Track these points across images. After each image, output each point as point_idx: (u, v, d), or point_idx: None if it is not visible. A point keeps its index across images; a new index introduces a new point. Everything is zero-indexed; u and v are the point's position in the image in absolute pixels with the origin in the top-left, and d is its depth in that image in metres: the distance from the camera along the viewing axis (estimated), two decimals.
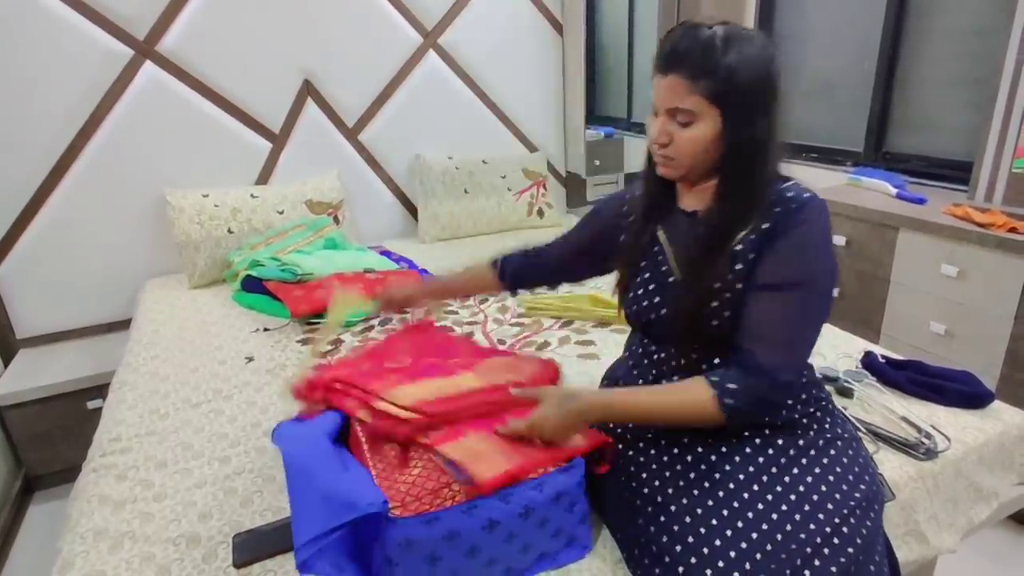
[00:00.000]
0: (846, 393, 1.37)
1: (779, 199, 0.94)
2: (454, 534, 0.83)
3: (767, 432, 0.98)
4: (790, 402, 1.00)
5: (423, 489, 0.86)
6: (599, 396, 1.01)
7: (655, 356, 1.07)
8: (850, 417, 1.26)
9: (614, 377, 1.20)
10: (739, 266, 0.95)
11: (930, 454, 1.17)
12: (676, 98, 0.91)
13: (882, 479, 1.09)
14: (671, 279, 1.02)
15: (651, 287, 1.05)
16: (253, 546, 1.02)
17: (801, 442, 0.97)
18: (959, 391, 1.33)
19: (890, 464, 1.16)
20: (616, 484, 1.01)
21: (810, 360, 1.01)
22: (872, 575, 0.86)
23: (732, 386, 0.90)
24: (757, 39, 0.90)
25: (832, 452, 0.97)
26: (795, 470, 0.93)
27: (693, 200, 1.03)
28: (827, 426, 1.01)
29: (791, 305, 0.92)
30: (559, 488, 0.90)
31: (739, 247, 0.95)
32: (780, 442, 0.96)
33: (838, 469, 0.94)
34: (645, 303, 1.05)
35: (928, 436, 1.21)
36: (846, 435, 1.01)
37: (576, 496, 0.93)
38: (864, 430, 1.23)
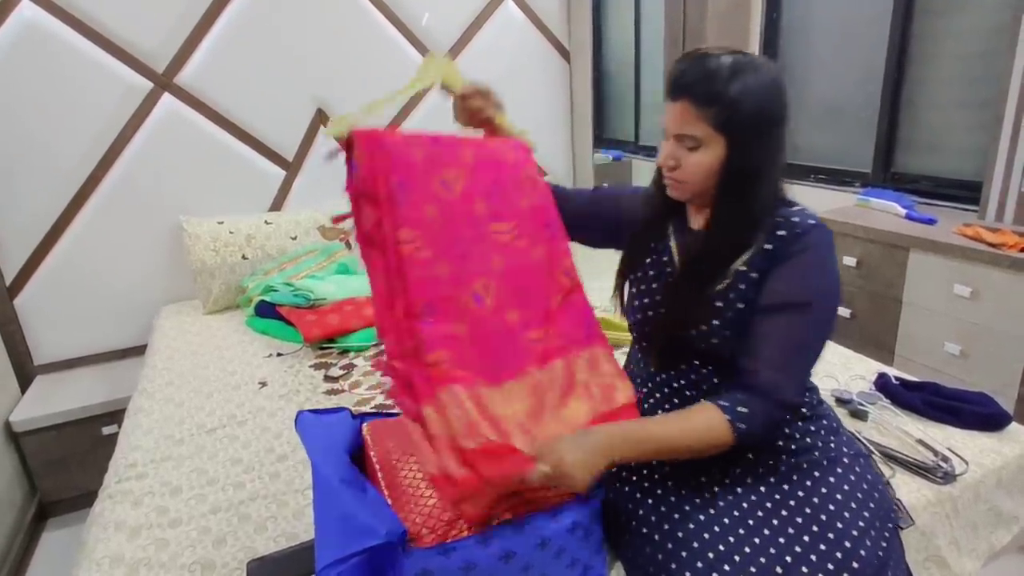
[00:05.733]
0: (860, 416, 1.36)
1: (784, 223, 0.95)
2: (471, 565, 0.83)
3: (771, 455, 0.98)
4: (788, 417, 0.99)
5: (439, 520, 0.86)
6: (615, 428, 0.91)
7: (658, 377, 1.07)
8: (864, 439, 1.25)
9: None
10: (742, 285, 0.96)
11: (948, 477, 1.16)
12: (684, 124, 0.93)
13: (900, 505, 1.08)
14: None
15: (657, 297, 1.06)
16: (267, 573, 1.01)
17: (805, 464, 0.97)
18: (976, 413, 1.31)
19: (907, 488, 1.14)
20: (621, 512, 1.01)
21: (816, 382, 1.00)
22: None
23: (742, 410, 0.90)
24: (764, 68, 0.91)
25: (838, 471, 0.97)
26: (800, 492, 0.93)
27: (701, 220, 1.04)
28: (832, 445, 1.01)
29: (794, 326, 0.93)
30: (575, 517, 0.89)
31: (742, 268, 0.96)
32: (783, 468, 0.96)
33: (846, 487, 0.94)
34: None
35: (945, 459, 1.19)
36: (852, 452, 1.01)
37: (592, 525, 0.93)
38: (879, 453, 1.22)
